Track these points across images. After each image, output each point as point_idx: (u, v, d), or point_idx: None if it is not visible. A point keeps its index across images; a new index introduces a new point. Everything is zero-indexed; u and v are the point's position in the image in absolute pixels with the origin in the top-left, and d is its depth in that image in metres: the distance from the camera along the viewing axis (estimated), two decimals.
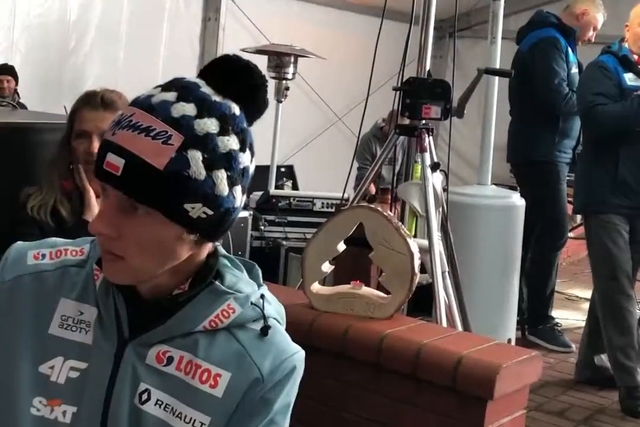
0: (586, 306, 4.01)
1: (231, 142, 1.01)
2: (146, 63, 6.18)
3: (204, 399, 1.06)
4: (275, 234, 4.35)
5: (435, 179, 2.81)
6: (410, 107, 2.87)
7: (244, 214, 4.16)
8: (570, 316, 4.85)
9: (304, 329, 2.10)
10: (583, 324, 3.91)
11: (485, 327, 3.03)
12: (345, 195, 3.39)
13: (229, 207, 1.04)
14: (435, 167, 2.79)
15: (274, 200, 4.44)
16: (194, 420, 1.06)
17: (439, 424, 1.97)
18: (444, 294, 2.56)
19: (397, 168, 3.17)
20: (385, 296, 2.18)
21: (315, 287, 2.21)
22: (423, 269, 2.60)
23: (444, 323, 2.45)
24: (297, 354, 1.12)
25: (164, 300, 1.08)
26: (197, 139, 0.98)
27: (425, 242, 2.60)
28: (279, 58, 4.77)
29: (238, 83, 1.04)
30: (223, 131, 1.00)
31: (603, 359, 3.65)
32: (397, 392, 1.98)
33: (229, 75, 1.04)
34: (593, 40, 4.43)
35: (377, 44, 2.98)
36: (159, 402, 1.06)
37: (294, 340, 2.14)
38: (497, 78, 3.76)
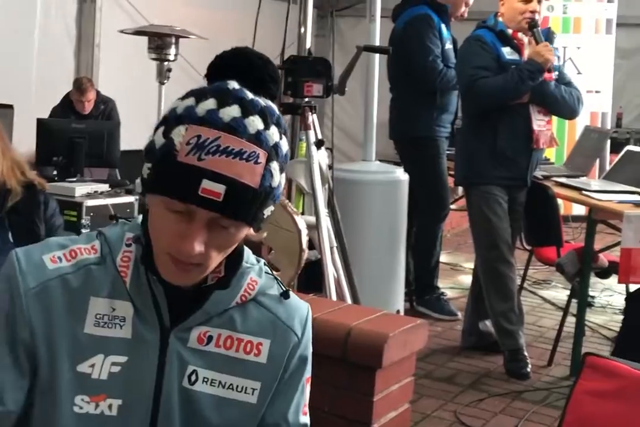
0: (470, 275, 4.15)
1: (286, 144, 1.07)
2: (20, 46, 5.95)
3: (251, 368, 1.14)
4: None
5: (321, 156, 2.84)
6: (292, 86, 2.88)
7: (129, 199, 4.09)
8: (455, 285, 5.02)
9: None
10: (467, 292, 4.05)
11: (375, 300, 3.10)
12: None
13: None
14: (319, 144, 2.82)
15: None
16: (245, 387, 1.14)
17: (332, 395, 2.01)
18: (332, 269, 2.60)
19: None
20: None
21: None
22: (312, 246, 2.64)
23: (334, 297, 2.49)
24: (307, 306, 1.22)
25: (202, 288, 1.12)
26: (272, 151, 1.03)
27: (312, 219, 2.63)
28: (160, 39, 4.67)
29: (265, 81, 1.09)
30: (281, 136, 1.05)
31: (487, 325, 3.79)
32: None
33: (254, 73, 1.09)
34: (466, 15, 4.54)
35: (256, 24, 2.97)
36: (206, 380, 1.13)
37: None
38: (377, 55, 3.81)
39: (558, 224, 3.71)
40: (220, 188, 0.99)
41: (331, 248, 2.65)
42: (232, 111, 1.02)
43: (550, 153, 5.27)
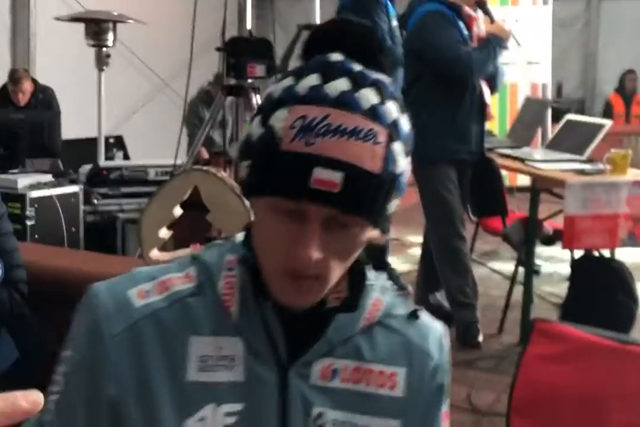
0: (419, 249, 4.20)
1: (407, 122, 0.89)
2: None
3: (386, 403, 0.95)
4: (110, 207, 4.24)
5: None
6: (235, 67, 2.88)
7: (73, 188, 4.04)
8: (405, 259, 5.08)
9: None
10: (417, 266, 4.10)
11: None
12: (179, 162, 3.36)
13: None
14: None
15: (104, 172, 4.32)
16: None
17: None
18: None
19: (229, 131, 3.17)
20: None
21: (155, 254, 2.19)
22: None
23: None
24: (441, 326, 1.02)
25: (322, 311, 0.93)
26: (393, 129, 0.86)
27: None
28: (97, 25, 4.60)
29: (373, 52, 0.90)
30: (401, 112, 0.89)
31: (437, 298, 3.85)
32: None
33: (360, 44, 0.90)
34: None
35: (195, 6, 2.94)
36: (335, 423, 0.93)
37: None
38: None
39: (503, 195, 3.78)
40: (336, 176, 0.82)
41: None
42: (339, 85, 0.85)
43: (493, 125, 5.34)
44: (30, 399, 0.47)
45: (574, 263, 3.75)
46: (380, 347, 0.95)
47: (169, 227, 2.24)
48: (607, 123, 3.72)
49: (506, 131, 5.22)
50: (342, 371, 0.93)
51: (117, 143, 5.71)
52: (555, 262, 4.94)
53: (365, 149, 0.83)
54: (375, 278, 0.98)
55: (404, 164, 0.87)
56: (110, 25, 4.66)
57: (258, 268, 0.90)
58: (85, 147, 5.19)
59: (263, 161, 0.86)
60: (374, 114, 0.84)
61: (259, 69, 2.81)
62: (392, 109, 0.87)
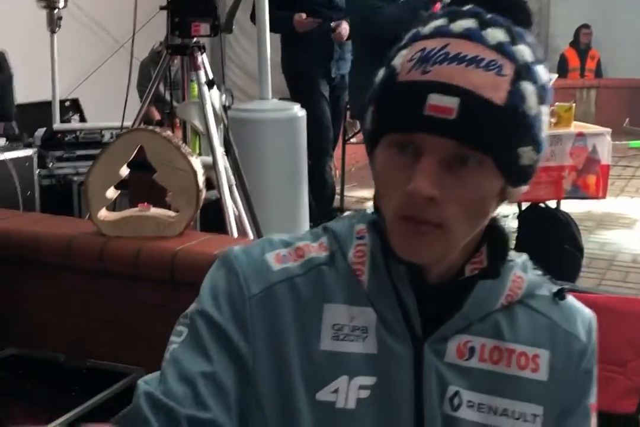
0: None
1: (544, 74, 0.84)
2: None
3: (528, 387, 0.88)
4: (66, 170, 4.24)
5: (213, 96, 2.84)
6: (179, 26, 2.86)
7: (27, 152, 4.02)
8: None
9: (95, 255, 2.13)
10: None
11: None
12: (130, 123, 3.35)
13: (544, 151, 0.86)
14: (210, 84, 2.83)
15: (59, 135, 4.30)
16: (524, 414, 0.88)
17: None
18: (233, 207, 2.65)
19: (180, 91, 3.17)
20: (174, 214, 2.24)
21: (103, 213, 2.22)
22: (212, 186, 2.67)
23: (235, 234, 2.55)
24: (590, 311, 0.96)
25: (460, 282, 0.88)
26: (524, 68, 0.81)
27: (209, 159, 2.66)
28: None
29: (511, 8, 0.85)
30: (536, 60, 0.83)
31: None
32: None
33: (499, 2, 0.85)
34: None
35: None
36: (471, 404, 0.87)
37: (86, 267, 2.17)
38: None
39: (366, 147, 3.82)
40: (451, 102, 0.77)
41: (230, 187, 2.69)
42: (465, 23, 0.81)
43: None
44: None
45: (521, 215, 3.83)
46: (521, 327, 0.90)
47: (117, 187, 2.26)
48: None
49: None
50: (479, 349, 0.88)
51: (73, 106, 5.66)
52: (503, 215, 5.02)
53: (486, 77, 0.78)
54: (516, 255, 0.93)
55: (535, 107, 0.81)
56: None
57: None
58: (41, 111, 5.14)
59: (381, 98, 0.83)
60: (501, 48, 0.80)
61: (203, 28, 2.80)
62: (525, 51, 0.82)
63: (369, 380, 0.86)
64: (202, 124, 2.74)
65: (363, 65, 3.75)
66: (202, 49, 2.86)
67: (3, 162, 3.88)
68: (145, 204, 2.26)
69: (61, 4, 4.68)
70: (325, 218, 4.52)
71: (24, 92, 4.99)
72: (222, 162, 2.68)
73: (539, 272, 0.94)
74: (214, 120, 2.73)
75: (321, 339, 0.87)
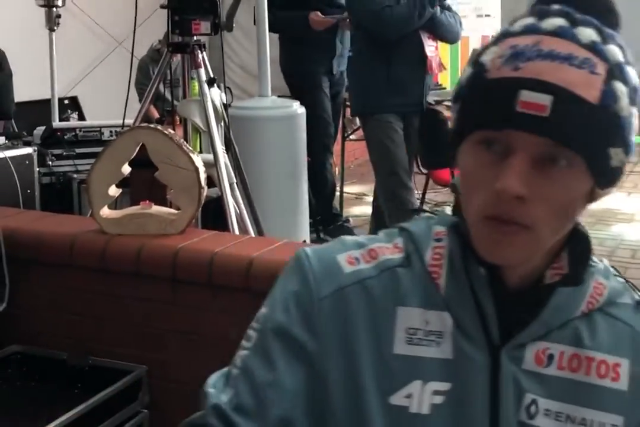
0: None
1: (635, 75, 0.82)
2: None
3: (608, 396, 0.85)
4: (65, 168, 4.24)
5: (214, 94, 2.85)
6: (180, 24, 2.87)
7: (27, 150, 4.02)
8: (360, 212, 5.16)
9: (97, 253, 2.13)
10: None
11: (280, 232, 3.17)
12: (130, 121, 3.36)
13: (633, 153, 0.83)
14: (211, 82, 2.84)
15: (58, 133, 4.30)
16: (603, 424, 0.85)
17: (235, 325, 2.09)
18: (234, 204, 2.66)
19: (181, 89, 3.18)
20: (176, 211, 2.24)
21: (105, 211, 2.23)
22: (213, 183, 2.68)
23: (237, 231, 2.56)
24: None
25: (540, 287, 0.85)
26: (616, 68, 0.80)
27: (210, 156, 2.67)
28: None
29: (599, 9, 0.84)
30: (627, 60, 0.82)
31: None
32: (195, 301, 2.07)
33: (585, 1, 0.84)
34: None
35: None
36: (548, 413, 0.84)
37: (88, 266, 2.17)
38: None
39: (449, 147, 3.84)
40: (544, 99, 0.75)
41: (231, 184, 2.70)
42: (556, 21, 0.80)
43: (444, 79, 5.38)
44: None
45: None
46: (601, 335, 0.87)
47: (119, 185, 2.27)
48: None
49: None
50: (558, 356, 0.85)
51: (72, 104, 5.66)
52: None
53: (580, 75, 0.77)
54: (597, 260, 0.90)
55: (627, 108, 0.80)
56: None
57: (469, 237, 0.82)
58: (40, 110, 5.14)
59: (469, 95, 0.82)
60: (593, 47, 0.79)
61: (204, 26, 2.81)
62: (616, 51, 0.81)
63: (443, 386, 0.84)
64: (203, 121, 2.75)
65: (364, 63, 3.76)
66: (202, 47, 2.86)
67: (3, 160, 3.89)
68: (147, 201, 2.27)
69: (60, 2, 4.68)
70: (328, 215, 4.54)
71: (23, 90, 4.99)
72: (223, 159, 2.69)
73: (621, 279, 0.91)
74: (214, 118, 2.74)
75: (395, 343, 0.85)
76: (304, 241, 3.56)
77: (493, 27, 6.43)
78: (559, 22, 0.80)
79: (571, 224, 0.84)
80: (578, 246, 0.87)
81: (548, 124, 0.75)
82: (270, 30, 4.24)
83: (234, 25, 3.07)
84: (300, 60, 4.37)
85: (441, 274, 0.86)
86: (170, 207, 2.32)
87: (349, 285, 0.86)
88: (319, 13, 4.33)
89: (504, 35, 0.82)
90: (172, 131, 2.36)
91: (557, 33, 0.79)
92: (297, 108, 3.68)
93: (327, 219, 4.51)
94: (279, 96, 4.17)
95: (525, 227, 0.78)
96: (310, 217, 4.11)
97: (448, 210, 0.92)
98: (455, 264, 0.86)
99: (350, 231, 4.52)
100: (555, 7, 0.82)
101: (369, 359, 0.84)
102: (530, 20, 0.81)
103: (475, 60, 0.83)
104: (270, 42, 3.81)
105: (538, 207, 0.78)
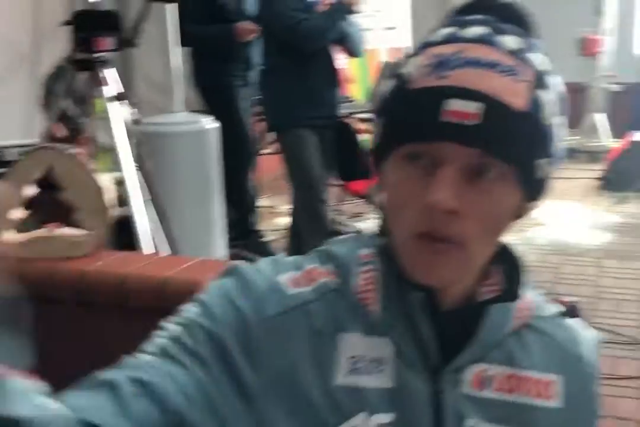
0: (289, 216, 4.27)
1: (560, 84, 0.80)
2: None
3: (546, 415, 0.85)
4: None
5: (122, 111, 2.80)
6: (83, 41, 2.82)
7: None
8: (276, 227, 5.14)
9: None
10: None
11: (196, 249, 3.14)
12: (34, 141, 3.27)
13: (558, 164, 0.81)
14: (119, 98, 2.78)
15: None
16: None
17: None
18: (146, 224, 2.61)
19: (87, 106, 3.11)
20: (84, 233, 2.19)
21: (10, 235, 2.16)
22: (123, 202, 2.63)
23: (149, 251, 2.51)
24: (592, 330, 0.92)
25: (474, 307, 0.82)
26: (541, 76, 0.78)
27: (119, 175, 2.62)
28: None
29: (518, 18, 0.82)
30: (548, 69, 0.80)
31: None
32: (106, 325, 2.02)
33: (505, 10, 0.82)
34: None
35: None
36: None
37: None
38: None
39: (362, 159, 3.89)
40: (472, 107, 0.73)
41: (142, 202, 2.65)
42: (478, 29, 0.78)
43: (354, 91, 5.44)
44: None
45: None
46: (533, 352, 0.85)
47: (24, 207, 2.20)
48: None
49: (366, 97, 5.33)
50: (495, 378, 0.83)
51: None
52: None
53: (506, 83, 0.75)
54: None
55: (553, 117, 0.78)
56: None
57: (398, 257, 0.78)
58: None
59: (393, 109, 0.78)
60: (517, 54, 0.77)
61: (108, 42, 2.76)
62: (541, 59, 0.79)
63: (387, 417, 0.80)
64: (111, 139, 2.69)
65: (278, 76, 3.74)
66: (107, 63, 2.81)
67: None
68: (54, 224, 2.21)
69: None
70: (245, 230, 4.51)
71: None
72: (133, 177, 2.64)
73: (540, 291, 0.90)
74: (123, 135, 2.69)
75: (338, 372, 0.80)
76: (222, 258, 3.53)
77: (401, 39, 6.53)
78: (481, 30, 0.78)
79: (498, 241, 0.81)
80: (507, 260, 0.86)
81: (477, 133, 0.73)
82: (185, 45, 4.20)
83: (140, 40, 3.02)
84: (215, 73, 4.32)
85: (374, 299, 0.82)
86: (79, 228, 2.26)
87: (293, 308, 0.80)
88: (246, 23, 4.27)
89: (424, 46, 0.80)
90: (78, 150, 2.31)
91: (480, 40, 0.77)
92: (209, 123, 3.64)
93: (245, 235, 4.47)
94: (190, 111, 4.13)
95: (459, 244, 0.75)
96: (229, 232, 4.08)
97: (370, 224, 0.90)
98: (387, 289, 0.82)
99: (269, 247, 4.50)
100: (475, 17, 0.80)
101: (313, 390, 0.78)
102: (451, 30, 0.79)
103: (396, 72, 0.80)
104: (181, 57, 3.77)
105: (470, 222, 0.75)
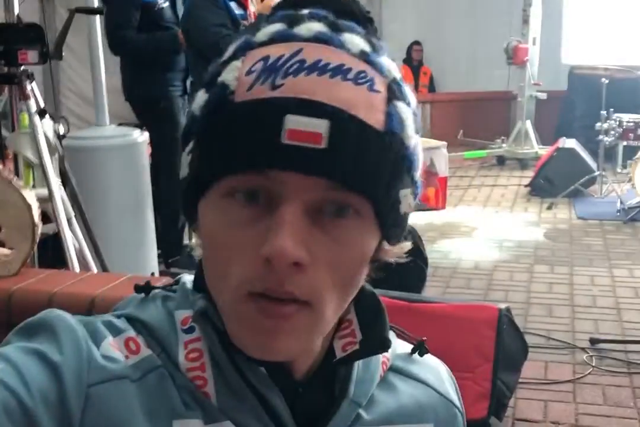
0: None
1: (413, 95, 0.64)
2: None
3: None
4: None
5: (46, 125, 2.74)
6: (5, 54, 2.75)
7: None
8: None
9: None
10: None
11: (127, 265, 3.09)
12: None
13: (419, 196, 0.65)
14: (42, 113, 2.73)
15: None
16: None
17: None
18: (73, 240, 2.56)
19: (10, 121, 3.03)
20: (9, 252, 2.13)
21: None
22: (49, 219, 2.57)
23: (77, 268, 2.46)
24: (441, 362, 0.80)
25: (332, 365, 0.68)
26: (395, 85, 0.61)
27: (44, 191, 2.56)
28: None
29: (357, 15, 0.64)
30: (399, 76, 0.63)
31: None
32: None
33: (339, 5, 0.64)
34: None
35: None
36: None
37: None
38: (98, 17, 3.70)
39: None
40: (319, 125, 0.55)
41: (69, 219, 2.60)
42: (313, 26, 0.60)
43: None
44: None
45: None
46: (405, 402, 0.72)
47: None
48: None
49: None
50: None
51: None
52: None
53: (358, 93, 0.58)
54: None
55: (414, 137, 0.62)
56: None
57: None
58: None
59: (209, 130, 0.59)
60: (365, 58, 0.60)
61: (31, 56, 2.71)
62: (392, 66, 0.62)
63: None
64: (35, 154, 2.63)
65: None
66: (30, 77, 2.75)
67: None
68: None
69: None
70: (177, 246, 4.45)
71: None
72: (59, 193, 2.59)
73: (393, 329, 0.75)
74: (47, 150, 2.63)
75: None
76: (152, 274, 3.48)
77: None
78: (317, 27, 0.60)
79: (357, 290, 0.63)
80: (364, 303, 0.68)
81: (325, 159, 0.56)
82: (121, 53, 4.12)
83: (63, 53, 2.97)
84: (153, 83, 4.24)
85: (206, 378, 0.63)
86: (4, 247, 2.20)
87: (107, 381, 0.60)
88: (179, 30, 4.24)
89: (247, 47, 0.61)
90: (1, 166, 2.25)
91: (319, 40, 0.59)
92: (138, 136, 3.59)
93: (174, 250, 4.41)
94: (119, 124, 4.06)
95: (306, 305, 0.58)
96: (159, 248, 4.02)
97: (187, 280, 0.68)
98: (220, 362, 0.63)
99: (196, 262, 4.44)
100: (307, 11, 0.62)
101: None
102: (278, 27, 0.61)
103: (211, 81, 0.61)
104: (107, 68, 3.71)
105: (320, 275, 0.58)
